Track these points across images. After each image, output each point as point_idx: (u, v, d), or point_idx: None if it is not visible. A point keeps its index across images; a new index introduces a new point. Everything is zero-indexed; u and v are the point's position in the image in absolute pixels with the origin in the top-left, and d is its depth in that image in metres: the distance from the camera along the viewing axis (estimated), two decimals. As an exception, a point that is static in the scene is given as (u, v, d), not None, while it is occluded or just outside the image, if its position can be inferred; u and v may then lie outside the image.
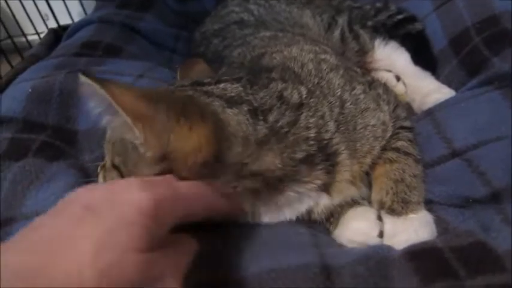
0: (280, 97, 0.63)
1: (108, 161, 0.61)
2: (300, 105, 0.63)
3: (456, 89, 0.91)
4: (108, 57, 1.04)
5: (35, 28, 1.67)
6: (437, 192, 0.69)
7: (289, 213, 0.65)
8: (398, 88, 0.98)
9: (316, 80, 0.69)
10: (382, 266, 0.54)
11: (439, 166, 0.73)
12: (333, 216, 0.68)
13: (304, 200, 0.65)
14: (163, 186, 0.46)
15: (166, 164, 0.52)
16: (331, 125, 0.65)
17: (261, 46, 0.83)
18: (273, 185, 0.60)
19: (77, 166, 0.78)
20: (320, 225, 0.68)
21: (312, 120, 0.63)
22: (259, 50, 0.80)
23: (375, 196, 0.68)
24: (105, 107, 0.53)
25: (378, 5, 1.15)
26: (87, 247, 0.36)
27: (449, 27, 0.98)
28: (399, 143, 0.72)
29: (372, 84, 0.78)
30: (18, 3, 1.56)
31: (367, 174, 0.71)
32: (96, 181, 0.67)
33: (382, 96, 0.76)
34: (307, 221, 0.67)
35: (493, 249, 0.55)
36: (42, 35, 1.61)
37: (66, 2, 1.66)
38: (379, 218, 0.65)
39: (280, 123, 0.60)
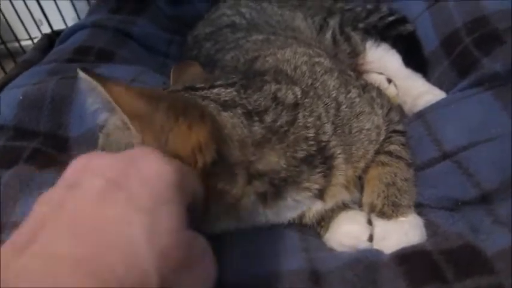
0: (275, 98, 0.63)
1: None
2: (295, 105, 0.64)
3: (447, 90, 0.91)
4: (101, 62, 1.04)
5: (28, 33, 1.68)
6: (427, 195, 0.69)
7: (283, 218, 0.65)
8: (390, 90, 0.98)
9: (310, 81, 0.69)
10: (371, 270, 0.55)
11: (429, 169, 0.73)
12: (324, 220, 0.68)
13: (299, 207, 0.65)
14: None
15: None
16: (328, 127, 0.65)
17: (254, 49, 0.83)
18: (278, 190, 0.60)
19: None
20: (310, 229, 0.68)
21: (309, 119, 0.63)
22: (253, 54, 0.80)
23: (366, 199, 0.68)
24: (102, 104, 0.53)
25: (369, 6, 1.15)
26: (137, 234, 0.34)
27: (440, 27, 0.98)
28: (392, 147, 0.72)
29: (366, 87, 0.78)
30: (11, 8, 1.56)
31: (359, 178, 0.71)
32: None
33: (376, 100, 0.76)
34: (297, 224, 0.68)
35: (482, 251, 0.55)
36: (35, 40, 1.61)
37: (60, 7, 1.66)
38: (369, 222, 0.65)
39: (279, 123, 0.60)
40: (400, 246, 0.59)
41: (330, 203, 0.65)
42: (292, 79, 0.68)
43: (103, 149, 0.58)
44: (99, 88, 0.49)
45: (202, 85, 0.61)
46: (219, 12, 1.11)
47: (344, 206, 0.68)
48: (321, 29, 1.02)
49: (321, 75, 0.70)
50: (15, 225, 0.65)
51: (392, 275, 0.53)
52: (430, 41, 1.00)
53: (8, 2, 1.53)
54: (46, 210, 0.36)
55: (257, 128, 0.58)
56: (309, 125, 0.62)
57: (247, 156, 0.56)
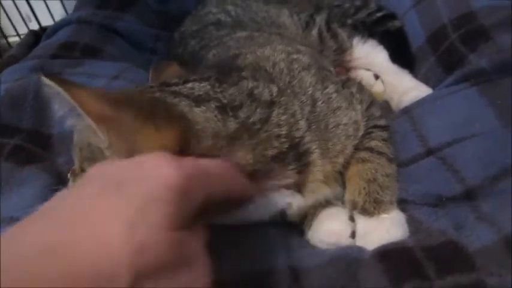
0: (251, 94, 0.62)
1: (77, 166, 0.60)
2: (271, 103, 0.63)
3: (434, 86, 0.90)
4: (85, 58, 1.03)
5: (16, 30, 1.66)
6: (411, 191, 0.68)
7: (262, 213, 0.65)
8: (377, 86, 0.98)
9: (287, 79, 0.68)
10: (352, 267, 0.54)
11: (414, 165, 0.72)
12: (307, 217, 0.67)
13: (276, 199, 0.64)
14: (190, 162, 0.44)
15: None
16: (302, 123, 0.64)
17: (236, 47, 0.83)
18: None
19: (51, 170, 0.77)
20: (295, 227, 0.68)
21: (283, 117, 0.62)
22: (234, 51, 0.79)
23: (348, 196, 0.67)
24: (68, 109, 0.52)
25: (358, 3, 1.15)
26: (117, 225, 0.35)
27: (427, 23, 0.97)
28: (372, 143, 0.72)
29: (346, 83, 0.77)
30: (-2, 4, 1.54)
31: (341, 174, 0.70)
32: None
33: (356, 96, 0.75)
34: (281, 222, 0.67)
35: (464, 248, 0.55)
36: (23, 37, 1.60)
37: (48, 3, 1.65)
38: (352, 219, 0.64)
39: (252, 120, 0.59)
40: (382, 242, 0.58)
41: (310, 198, 0.65)
42: (271, 76, 0.67)
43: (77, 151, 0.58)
44: (63, 93, 0.48)
45: (177, 80, 0.60)
46: (206, 10, 1.10)
47: (327, 203, 0.68)
48: (307, 26, 1.01)
49: (298, 72, 0.70)
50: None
51: (373, 272, 0.53)
52: (417, 37, 0.99)
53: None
54: (52, 203, 0.38)
55: (231, 123, 0.57)
56: (281, 122, 0.61)
57: (216, 150, 0.55)
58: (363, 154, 0.70)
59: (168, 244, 0.36)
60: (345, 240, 0.62)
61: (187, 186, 0.39)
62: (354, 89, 0.76)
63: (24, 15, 1.64)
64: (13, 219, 0.65)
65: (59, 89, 0.49)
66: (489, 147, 0.68)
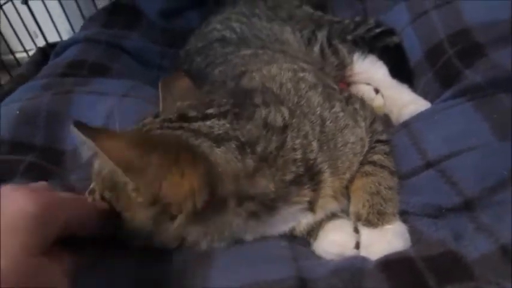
0: (266, 125, 0.65)
1: (97, 191, 0.62)
2: (284, 128, 0.66)
3: (432, 101, 0.93)
4: (94, 76, 1.07)
5: (23, 46, 1.69)
6: (411, 203, 0.71)
7: (275, 232, 0.68)
8: (377, 100, 1.01)
9: (295, 99, 0.72)
10: (357, 277, 0.57)
11: (414, 177, 0.75)
12: (313, 230, 0.70)
13: (290, 220, 0.68)
14: (47, 192, 0.48)
15: (160, 207, 0.55)
16: (315, 145, 0.67)
17: (241, 64, 0.86)
18: (269, 208, 0.62)
19: (64, 186, 0.80)
20: (300, 238, 0.71)
21: (297, 141, 0.66)
22: (240, 69, 0.83)
23: (352, 208, 0.70)
24: (95, 154, 0.56)
25: (357, 19, 1.18)
26: None
27: (424, 39, 1.01)
28: (375, 157, 0.75)
29: (349, 100, 0.80)
30: (5, 21, 1.57)
31: (346, 187, 0.73)
32: None
33: (359, 112, 0.78)
34: (288, 235, 0.70)
35: (463, 258, 0.57)
36: (30, 53, 1.63)
37: (54, 20, 1.68)
38: (356, 230, 0.67)
39: (269, 149, 0.62)
40: (385, 253, 0.61)
41: (320, 214, 0.68)
42: (279, 97, 0.70)
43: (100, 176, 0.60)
44: (91, 143, 0.52)
45: (195, 114, 0.63)
46: (211, 27, 1.13)
47: (332, 215, 0.71)
48: (309, 42, 1.05)
49: (306, 92, 0.73)
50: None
51: (376, 281, 0.56)
52: (415, 52, 1.03)
53: (3, 15, 1.55)
54: None
55: (250, 161, 0.60)
56: (296, 146, 0.65)
57: (239, 186, 0.58)
58: (367, 168, 0.73)
59: (25, 271, 0.39)
60: (349, 251, 0.65)
61: (43, 214, 0.43)
62: (357, 106, 0.79)
63: (31, 32, 1.68)
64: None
65: (86, 139, 0.53)
66: (486, 160, 0.71)
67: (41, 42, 1.62)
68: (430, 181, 0.73)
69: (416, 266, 0.57)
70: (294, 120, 0.67)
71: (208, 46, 1.05)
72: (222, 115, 0.63)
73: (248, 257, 0.62)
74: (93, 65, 1.11)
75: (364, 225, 0.67)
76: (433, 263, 0.57)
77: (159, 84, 0.79)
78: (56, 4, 1.67)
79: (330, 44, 1.06)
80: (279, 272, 0.58)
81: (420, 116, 0.86)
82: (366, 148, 0.74)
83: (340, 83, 1.01)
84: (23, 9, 1.58)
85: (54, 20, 1.68)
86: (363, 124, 0.76)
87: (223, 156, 0.58)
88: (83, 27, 1.39)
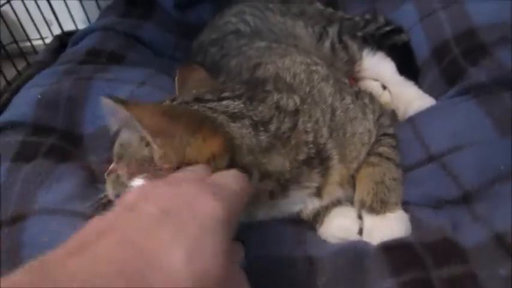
0: (278, 107, 0.69)
1: (125, 176, 0.63)
2: (296, 112, 0.70)
3: (437, 97, 0.97)
4: (112, 64, 1.11)
5: (39, 33, 1.73)
6: (413, 194, 0.75)
7: (285, 212, 0.72)
8: (384, 96, 1.04)
9: (307, 89, 0.76)
10: (359, 257, 0.61)
11: (416, 170, 0.79)
12: (319, 215, 0.74)
13: (300, 203, 0.72)
14: (229, 191, 0.48)
15: None
16: (325, 131, 0.72)
17: (256, 57, 0.90)
18: (283, 188, 0.67)
19: (84, 167, 0.85)
20: (306, 222, 0.75)
21: (308, 125, 0.70)
22: (255, 60, 0.86)
23: (357, 196, 0.74)
24: (125, 124, 0.60)
25: (367, 16, 1.22)
26: (178, 253, 0.37)
27: (432, 38, 1.04)
28: (381, 149, 0.79)
29: (359, 94, 0.84)
30: (23, 9, 1.61)
31: (352, 176, 0.77)
32: (103, 184, 0.72)
33: (368, 106, 0.82)
34: (295, 219, 0.74)
35: (459, 244, 0.61)
36: (46, 40, 1.68)
37: (70, 8, 1.72)
38: (360, 217, 0.71)
39: (281, 130, 0.67)
40: (386, 238, 0.65)
41: (326, 199, 0.72)
42: (292, 86, 0.74)
43: (120, 157, 0.64)
44: (123, 110, 0.56)
45: (211, 97, 0.67)
46: (225, 19, 1.17)
47: (337, 203, 0.74)
48: (321, 37, 1.08)
49: (318, 83, 0.77)
50: (37, 213, 0.72)
51: (377, 262, 0.60)
52: (422, 50, 1.06)
53: (21, 3, 1.59)
54: (102, 224, 0.39)
55: (263, 138, 0.64)
56: (308, 129, 0.69)
57: (258, 159, 0.62)
58: (373, 159, 0.77)
59: (221, 269, 0.40)
60: (353, 236, 0.69)
61: (229, 216, 0.44)
62: (366, 100, 0.83)
63: (46, 19, 1.72)
64: (53, 211, 0.72)
65: (120, 106, 0.57)
66: (486, 155, 0.75)
67: (56, 30, 1.67)
68: (431, 174, 0.77)
69: (415, 250, 0.61)
70: (305, 107, 0.71)
71: (223, 38, 1.09)
72: (237, 97, 0.68)
73: (257, 236, 0.66)
74: (111, 54, 1.15)
75: (367, 212, 0.71)
76: (430, 247, 0.61)
77: (176, 74, 0.83)
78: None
79: (340, 40, 1.09)
80: (288, 250, 0.62)
81: (425, 112, 0.89)
82: (373, 139, 0.78)
83: (349, 78, 1.05)
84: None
85: (70, 8, 1.72)
86: (371, 117, 0.80)
87: (238, 131, 0.62)
88: (100, 17, 1.43)
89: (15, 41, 1.64)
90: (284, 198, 0.67)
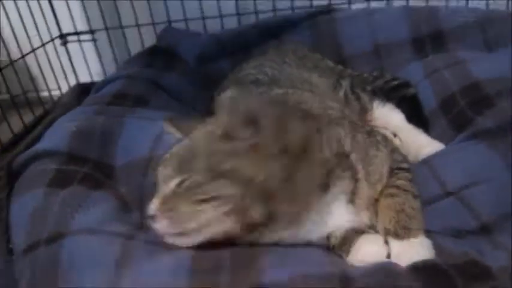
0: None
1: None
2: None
3: (446, 144, 1.04)
4: (138, 106, 1.17)
5: (58, 84, 1.79)
6: (434, 224, 0.80)
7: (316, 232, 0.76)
8: (395, 143, 1.11)
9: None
10: (391, 276, 0.64)
11: (435, 204, 0.84)
12: (346, 244, 0.78)
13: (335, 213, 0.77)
14: None
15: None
16: (348, 142, 0.81)
17: None
18: (325, 182, 0.74)
19: (116, 195, 0.88)
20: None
21: (332, 131, 0.81)
22: None
23: (380, 225, 0.79)
24: None
25: (375, 73, 1.32)
26: None
27: (438, 92, 1.13)
28: (398, 182, 0.84)
29: (371, 132, 0.91)
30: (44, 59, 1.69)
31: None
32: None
33: (381, 142, 0.89)
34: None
35: (485, 264, 0.65)
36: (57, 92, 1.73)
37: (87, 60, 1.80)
38: (386, 243, 0.75)
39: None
40: (413, 261, 0.68)
41: (356, 218, 0.77)
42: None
43: None
44: None
45: None
46: (245, 72, 1.25)
47: (362, 233, 0.78)
48: (335, 88, 1.17)
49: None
50: (75, 233, 0.74)
51: (409, 281, 0.63)
52: (429, 102, 1.14)
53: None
54: None
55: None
56: (331, 137, 0.79)
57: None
58: (391, 190, 0.82)
59: None
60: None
61: None
62: (379, 137, 0.90)
63: (60, 72, 1.79)
64: (92, 231, 0.74)
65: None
66: (503, 190, 0.80)
67: (72, 82, 1.75)
68: (450, 207, 0.82)
69: (444, 269, 0.64)
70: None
71: (244, 88, 1.17)
72: None
73: (293, 257, 0.70)
74: (136, 98, 1.21)
75: (393, 238, 0.75)
76: (458, 267, 0.64)
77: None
78: (91, 46, 1.81)
79: (353, 91, 1.18)
80: (324, 269, 0.65)
81: (438, 154, 0.96)
82: (388, 169, 0.84)
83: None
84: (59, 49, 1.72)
85: (88, 61, 1.81)
86: (384, 150, 0.87)
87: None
88: (123, 67, 1.50)
89: (36, 90, 1.70)
90: (324, 194, 0.74)
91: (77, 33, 1.76)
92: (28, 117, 1.47)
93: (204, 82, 1.45)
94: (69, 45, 1.79)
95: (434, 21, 1.39)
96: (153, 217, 0.70)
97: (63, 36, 1.75)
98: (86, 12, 1.73)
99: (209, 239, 0.69)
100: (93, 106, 1.14)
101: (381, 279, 0.64)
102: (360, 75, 1.32)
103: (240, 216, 0.68)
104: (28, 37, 1.57)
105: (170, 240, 0.71)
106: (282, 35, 1.49)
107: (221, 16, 1.67)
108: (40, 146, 0.96)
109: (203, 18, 1.68)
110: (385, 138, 0.94)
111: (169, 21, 1.69)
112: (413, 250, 0.72)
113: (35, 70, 1.67)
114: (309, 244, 0.75)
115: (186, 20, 1.70)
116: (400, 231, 0.75)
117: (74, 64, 1.80)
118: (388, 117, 1.16)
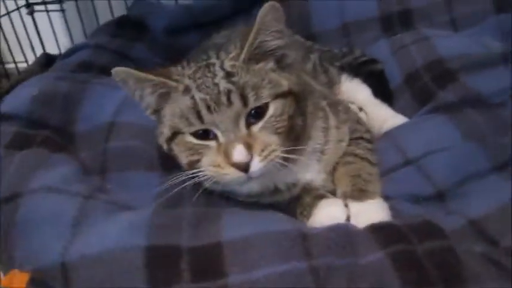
0: None
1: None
2: None
3: (409, 117, 1.05)
4: (102, 76, 1.14)
5: (24, 56, 1.74)
6: (392, 191, 0.82)
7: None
8: (359, 115, 1.12)
9: None
10: (349, 234, 0.65)
11: (395, 172, 0.86)
12: (305, 209, 0.79)
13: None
14: None
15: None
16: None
17: None
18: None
19: (77, 159, 0.87)
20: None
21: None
22: None
23: (338, 190, 0.82)
24: None
25: (345, 49, 1.32)
26: None
27: (404, 67, 1.15)
28: (357, 151, 0.87)
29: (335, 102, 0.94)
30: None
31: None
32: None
33: (342, 111, 0.92)
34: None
35: (438, 224, 0.67)
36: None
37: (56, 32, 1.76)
38: (346, 206, 0.76)
39: None
40: (371, 221, 0.70)
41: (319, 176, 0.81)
42: None
43: None
44: None
45: None
46: (214, 41, 1.24)
47: (321, 196, 0.80)
48: (303, 60, 1.17)
49: None
50: (34, 191, 0.73)
51: (366, 238, 0.64)
52: (395, 78, 1.16)
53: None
54: None
55: None
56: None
57: None
58: (349, 158, 0.85)
59: None
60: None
61: None
62: (340, 107, 0.92)
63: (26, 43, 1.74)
64: (50, 189, 0.73)
65: None
66: (456, 158, 0.83)
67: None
68: (409, 174, 0.85)
69: (400, 228, 0.66)
70: None
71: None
72: None
73: (254, 217, 0.70)
74: (101, 68, 1.19)
75: (351, 200, 0.77)
76: (413, 227, 0.66)
77: None
78: (58, 17, 1.76)
79: (321, 64, 1.18)
80: (283, 226, 0.66)
81: (400, 126, 0.99)
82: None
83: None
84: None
85: (56, 33, 1.76)
86: (344, 116, 0.91)
87: None
88: (92, 36, 1.48)
89: (1, 62, 1.65)
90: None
91: (44, 3, 1.70)
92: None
93: (173, 54, 1.43)
94: (36, 16, 1.74)
95: (403, 0, 1.40)
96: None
97: (29, 6, 1.70)
98: (53, -20, 1.69)
99: None
100: (56, 72, 1.11)
101: (339, 234, 0.65)
102: (329, 50, 1.32)
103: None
104: (-8, 4, 1.53)
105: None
106: (253, 10, 1.48)
107: (194, -10, 1.65)
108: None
109: (176, -8, 1.66)
110: (347, 108, 0.95)
111: (142, -7, 1.66)
112: (370, 211, 0.74)
113: (-1, 39, 1.63)
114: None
115: (159, -7, 1.67)
116: (357, 194, 0.77)
117: (42, 35, 1.75)
118: (354, 91, 1.17)
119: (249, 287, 0.58)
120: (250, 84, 0.69)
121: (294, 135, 0.73)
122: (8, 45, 1.64)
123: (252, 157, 0.67)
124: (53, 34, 1.74)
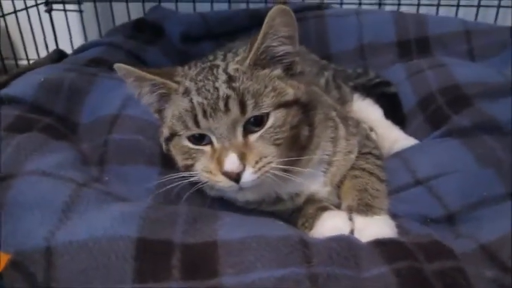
0: None
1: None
2: None
3: (421, 140, 1.03)
4: (113, 72, 1.13)
5: (37, 53, 1.74)
6: (400, 210, 0.79)
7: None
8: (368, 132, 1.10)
9: None
10: (352, 246, 0.61)
11: (404, 192, 0.83)
12: (308, 221, 0.75)
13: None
14: None
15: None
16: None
17: None
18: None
19: (77, 149, 0.84)
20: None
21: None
22: None
23: (344, 203, 0.78)
24: None
25: (359, 70, 1.31)
26: None
27: (418, 91, 1.13)
28: (366, 165, 0.84)
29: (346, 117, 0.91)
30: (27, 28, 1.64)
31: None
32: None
33: (352, 125, 0.89)
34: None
35: (447, 245, 0.63)
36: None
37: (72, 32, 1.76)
38: (351, 220, 0.73)
39: None
40: (375, 237, 0.66)
41: (324, 188, 0.78)
42: None
43: None
44: None
45: None
46: (226, 47, 1.23)
47: (325, 208, 0.76)
48: (317, 75, 1.15)
49: None
50: (26, 173, 0.70)
51: (370, 252, 0.61)
52: (409, 101, 1.14)
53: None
54: None
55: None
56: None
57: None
58: (356, 172, 0.82)
59: None
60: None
61: None
62: (350, 122, 0.89)
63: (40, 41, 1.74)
64: (44, 173, 0.70)
65: None
66: (468, 183, 0.79)
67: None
68: (417, 195, 0.82)
69: (407, 246, 0.62)
70: None
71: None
72: None
73: (252, 221, 0.67)
74: (112, 65, 1.17)
75: (356, 214, 0.73)
76: (421, 246, 0.62)
77: None
78: (76, 18, 1.77)
79: (334, 80, 1.16)
80: (283, 232, 0.62)
81: (411, 147, 0.96)
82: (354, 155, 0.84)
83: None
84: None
85: (71, 33, 1.76)
86: (354, 130, 0.88)
87: None
88: (107, 35, 1.47)
89: (15, 57, 1.65)
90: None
91: (63, 2, 1.72)
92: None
93: (186, 61, 1.41)
94: (53, 14, 1.74)
95: (421, 28, 1.39)
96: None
97: (48, 3, 1.71)
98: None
99: None
100: (67, 65, 1.10)
101: (342, 246, 0.61)
102: (343, 70, 1.31)
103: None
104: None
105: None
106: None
107: (212, 1, 1.65)
108: (3, 91, 0.91)
109: (193, 1, 1.66)
110: (357, 122, 0.93)
111: (160, 0, 1.67)
112: (375, 226, 0.70)
113: (15, 35, 1.63)
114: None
115: (176, 1, 1.68)
116: (363, 208, 0.74)
117: (57, 34, 1.76)
118: (366, 111, 1.15)
119: (242, 289, 0.54)
120: (251, 91, 0.67)
121: (299, 146, 0.72)
122: (23, 40, 1.64)
123: (244, 167, 0.66)
124: (69, 34, 1.75)
